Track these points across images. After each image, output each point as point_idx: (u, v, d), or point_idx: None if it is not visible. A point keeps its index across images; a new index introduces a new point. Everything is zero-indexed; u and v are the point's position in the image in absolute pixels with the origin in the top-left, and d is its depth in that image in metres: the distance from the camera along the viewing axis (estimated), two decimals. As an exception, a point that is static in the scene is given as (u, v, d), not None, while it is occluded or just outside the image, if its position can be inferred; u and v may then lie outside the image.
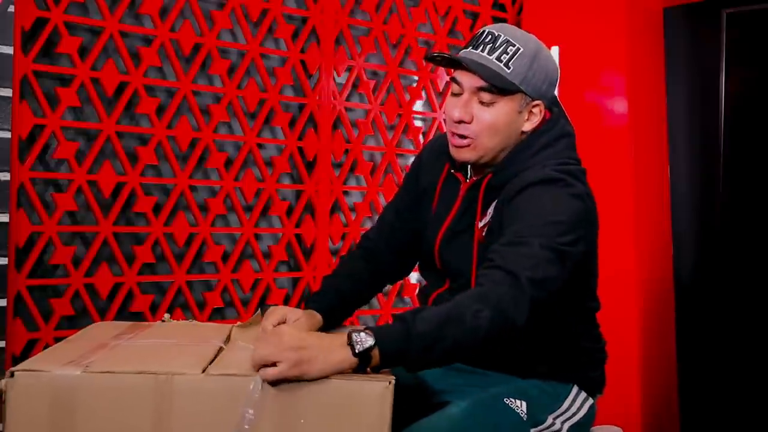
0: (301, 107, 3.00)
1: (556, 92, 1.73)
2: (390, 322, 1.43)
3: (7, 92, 2.28)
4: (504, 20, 3.52)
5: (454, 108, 1.65)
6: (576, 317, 1.75)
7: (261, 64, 2.86)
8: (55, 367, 1.33)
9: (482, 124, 1.63)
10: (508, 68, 1.61)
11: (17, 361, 2.30)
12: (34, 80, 2.40)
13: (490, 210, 1.68)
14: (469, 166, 1.75)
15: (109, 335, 1.62)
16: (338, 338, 1.37)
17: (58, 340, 2.27)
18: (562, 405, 1.73)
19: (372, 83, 3.15)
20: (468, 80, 1.63)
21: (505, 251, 1.49)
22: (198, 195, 2.79)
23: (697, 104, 3.19)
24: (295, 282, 3.01)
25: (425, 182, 1.85)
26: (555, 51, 3.25)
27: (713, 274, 3.14)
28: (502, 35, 1.63)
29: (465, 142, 1.65)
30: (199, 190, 2.80)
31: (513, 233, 1.52)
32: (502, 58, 1.61)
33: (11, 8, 2.28)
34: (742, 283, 3.07)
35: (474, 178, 1.73)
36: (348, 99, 3.10)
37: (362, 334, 1.36)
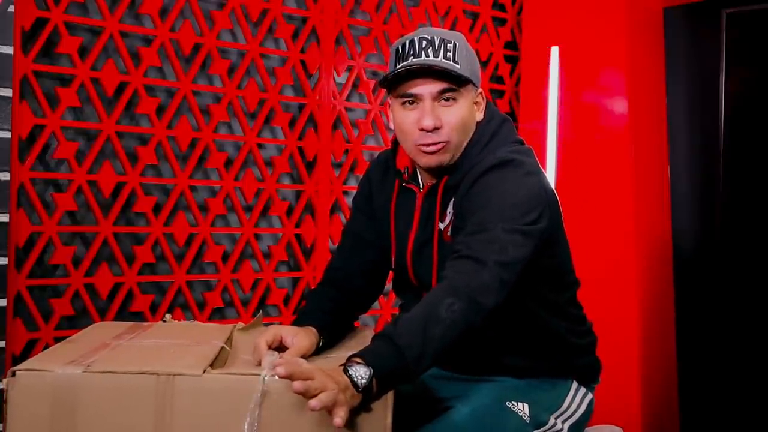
0: (301, 107, 3.00)
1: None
2: (373, 342, 1.41)
3: (7, 92, 2.28)
4: (504, 20, 3.52)
5: (421, 119, 1.61)
6: (557, 294, 1.75)
7: (261, 64, 2.86)
8: (57, 367, 1.33)
9: (452, 124, 1.62)
10: (457, 64, 1.61)
11: (17, 361, 2.30)
12: (34, 80, 2.39)
13: (449, 209, 1.67)
14: (419, 176, 1.74)
15: (110, 335, 1.62)
16: (342, 377, 1.32)
17: (58, 340, 2.28)
18: (562, 404, 1.74)
19: (372, 83, 3.15)
20: (427, 87, 1.61)
21: (470, 240, 1.50)
22: (198, 195, 2.79)
23: (697, 104, 3.19)
24: (295, 282, 3.01)
25: (378, 202, 1.83)
26: (555, 51, 3.26)
27: (713, 274, 3.14)
28: (436, 36, 1.62)
29: (440, 146, 1.63)
30: (199, 190, 2.80)
31: (475, 222, 1.53)
32: (447, 56, 1.61)
33: (11, 8, 2.27)
34: (742, 282, 3.07)
35: (429, 184, 1.71)
36: (348, 99, 3.10)
37: (357, 367, 1.33)
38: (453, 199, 1.67)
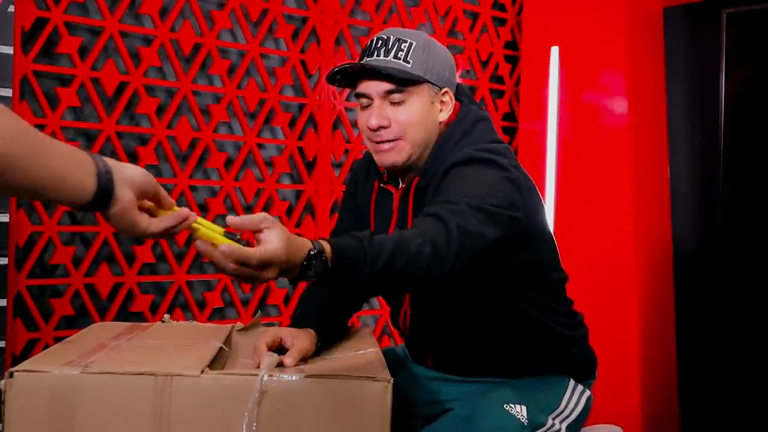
0: (301, 107, 3.00)
1: (458, 80, 1.75)
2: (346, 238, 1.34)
3: (7, 92, 2.28)
4: (504, 20, 3.52)
5: (369, 118, 1.64)
6: (539, 291, 1.74)
7: (261, 64, 2.86)
8: (55, 368, 1.33)
9: (401, 124, 1.63)
10: (408, 63, 1.62)
11: (17, 361, 2.30)
12: (34, 80, 2.40)
13: None
14: (398, 177, 1.74)
15: (108, 336, 1.63)
16: (299, 257, 1.22)
17: (58, 340, 2.28)
18: (560, 404, 1.74)
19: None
20: (374, 87, 1.63)
21: (435, 207, 1.47)
22: (198, 195, 2.79)
23: (697, 104, 3.19)
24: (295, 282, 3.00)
25: (361, 200, 1.84)
26: (555, 51, 3.26)
27: (713, 274, 3.14)
28: (392, 36, 1.64)
29: (389, 145, 1.64)
30: (199, 190, 2.80)
31: (440, 200, 1.50)
32: (399, 55, 1.62)
33: (11, 8, 2.28)
34: (742, 282, 3.07)
35: (403, 185, 1.72)
36: (348, 99, 3.10)
37: (318, 260, 1.23)
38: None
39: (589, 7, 3.20)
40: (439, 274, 1.39)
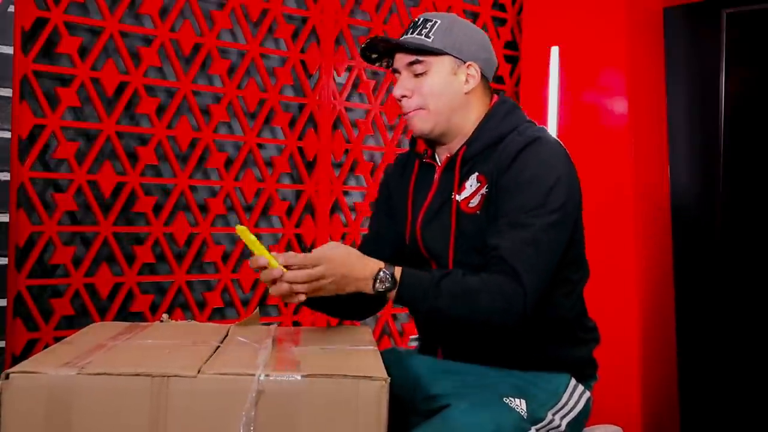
0: (301, 107, 3.00)
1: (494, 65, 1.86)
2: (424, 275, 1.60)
3: (7, 92, 2.28)
4: (504, 20, 3.52)
5: (395, 89, 1.78)
6: (571, 271, 1.79)
7: (261, 64, 2.87)
8: (51, 369, 1.33)
9: (422, 92, 1.76)
10: (429, 38, 1.75)
11: (17, 361, 2.31)
12: (34, 80, 2.40)
13: (469, 182, 1.74)
14: (437, 156, 1.84)
15: (106, 336, 1.63)
16: (367, 272, 1.55)
17: (58, 340, 2.27)
18: (560, 400, 1.74)
19: (372, 83, 3.15)
20: (399, 61, 1.78)
21: (508, 239, 1.60)
22: (198, 195, 2.79)
23: (697, 104, 3.19)
24: (295, 282, 3.00)
25: (398, 194, 1.92)
26: (555, 51, 3.26)
27: (713, 274, 3.13)
28: (422, 18, 1.79)
29: (413, 113, 1.77)
30: (199, 190, 2.80)
31: (514, 211, 1.64)
32: (422, 32, 1.76)
33: (11, 8, 2.28)
34: (743, 283, 3.07)
35: (447, 157, 1.80)
36: (348, 99, 3.10)
37: (389, 275, 1.55)
38: (476, 173, 1.73)
39: (589, 7, 3.20)
40: (512, 323, 1.58)
